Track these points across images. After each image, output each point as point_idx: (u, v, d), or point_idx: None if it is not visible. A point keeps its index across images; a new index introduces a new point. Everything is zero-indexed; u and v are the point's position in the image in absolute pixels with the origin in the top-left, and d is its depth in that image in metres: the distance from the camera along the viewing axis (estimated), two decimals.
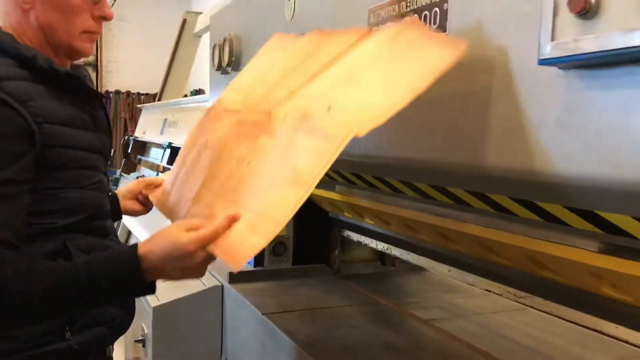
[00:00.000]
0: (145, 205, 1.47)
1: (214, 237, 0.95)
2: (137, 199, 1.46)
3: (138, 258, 0.97)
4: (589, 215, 0.83)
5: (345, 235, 2.00)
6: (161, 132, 4.47)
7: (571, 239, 0.96)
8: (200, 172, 1.16)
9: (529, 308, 1.68)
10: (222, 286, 1.85)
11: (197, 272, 1.01)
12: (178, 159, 1.35)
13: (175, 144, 4.00)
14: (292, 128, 0.97)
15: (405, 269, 2.13)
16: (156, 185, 1.44)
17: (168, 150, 4.17)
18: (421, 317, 1.61)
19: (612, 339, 1.25)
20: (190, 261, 0.96)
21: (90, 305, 1.07)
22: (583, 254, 0.95)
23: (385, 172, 1.28)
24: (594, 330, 1.04)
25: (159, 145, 4.43)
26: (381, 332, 1.48)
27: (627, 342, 1.01)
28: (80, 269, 0.97)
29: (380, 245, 1.79)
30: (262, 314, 1.56)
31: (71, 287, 0.96)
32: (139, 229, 4.34)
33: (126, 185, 1.52)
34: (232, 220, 0.95)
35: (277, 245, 1.98)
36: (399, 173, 1.23)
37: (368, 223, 1.76)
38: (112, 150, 1.33)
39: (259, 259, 1.96)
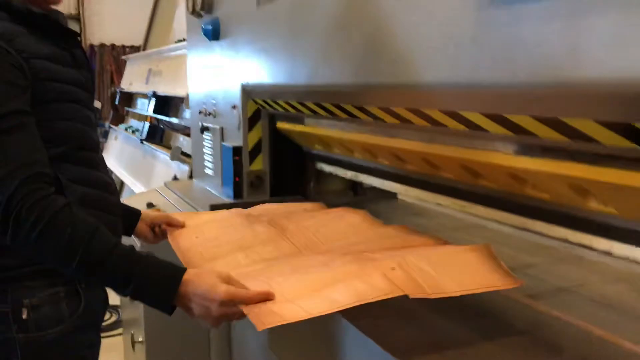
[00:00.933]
0: (158, 237, 1.52)
1: (245, 300, 0.97)
2: (152, 228, 1.51)
3: (180, 280, 1.02)
4: (499, 119, 0.96)
5: (319, 167, 2.13)
6: (146, 82, 4.54)
7: (491, 144, 1.09)
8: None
9: (487, 223, 1.83)
10: None
11: (213, 319, 1.01)
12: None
13: (160, 93, 4.09)
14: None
15: (377, 197, 2.27)
16: (176, 225, 1.51)
17: (153, 100, 4.25)
18: None
19: (551, 240, 1.40)
20: (214, 308, 0.99)
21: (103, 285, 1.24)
22: (501, 157, 1.08)
23: (342, 99, 1.40)
24: (523, 229, 1.18)
25: (145, 96, 4.50)
26: None
27: (566, 240, 1.15)
28: (132, 254, 1.06)
29: (349, 174, 1.92)
30: None
31: (116, 265, 1.04)
32: (132, 180, 4.46)
33: (150, 210, 1.61)
34: (266, 297, 0.96)
35: (255, 179, 2.11)
36: (352, 98, 1.35)
37: (337, 153, 1.89)
38: (94, 85, 1.40)
39: (238, 191, 2.09)
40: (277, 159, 2.14)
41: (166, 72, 4.19)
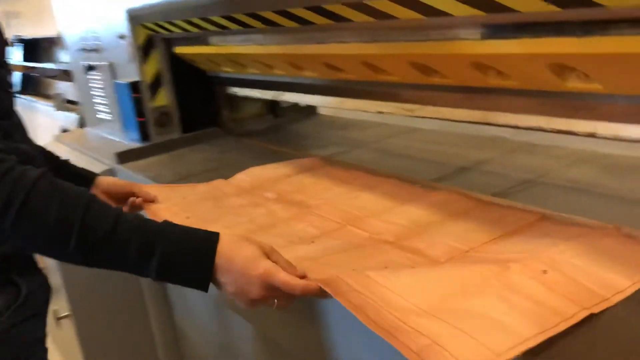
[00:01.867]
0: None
1: (292, 288, 0.74)
2: (118, 200, 1.20)
3: (216, 246, 0.78)
4: None
5: (231, 92, 1.91)
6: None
7: (451, 32, 0.94)
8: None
9: (422, 128, 1.73)
10: (112, 169, 1.74)
11: (248, 302, 0.78)
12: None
13: (25, 37, 3.59)
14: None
15: (298, 117, 2.11)
16: (145, 198, 1.21)
17: (20, 46, 3.75)
18: (319, 155, 1.60)
19: (503, 128, 1.31)
20: (254, 289, 0.76)
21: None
22: (464, 45, 0.94)
23: (259, 5, 1.19)
24: (486, 124, 1.06)
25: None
26: None
27: (516, 127, 1.05)
28: (146, 223, 0.79)
29: (269, 94, 1.72)
30: (161, 183, 1.48)
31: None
32: None
33: (107, 177, 1.25)
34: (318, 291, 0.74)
35: (160, 116, 1.86)
36: (271, 2, 1.14)
37: (252, 73, 1.68)
38: None
39: (145, 133, 1.85)
40: (182, 89, 1.89)
41: (26, 12, 3.67)
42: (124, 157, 1.74)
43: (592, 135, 0.92)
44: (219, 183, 1.36)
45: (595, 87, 0.85)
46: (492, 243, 0.88)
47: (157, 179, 1.53)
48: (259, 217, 1.12)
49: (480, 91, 1.04)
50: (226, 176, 1.51)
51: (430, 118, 1.19)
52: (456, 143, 1.55)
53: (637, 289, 0.70)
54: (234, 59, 1.64)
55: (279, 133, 1.99)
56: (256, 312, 0.93)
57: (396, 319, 0.65)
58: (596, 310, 0.66)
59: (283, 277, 0.74)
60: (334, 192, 1.21)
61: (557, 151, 1.34)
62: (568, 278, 0.71)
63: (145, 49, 1.80)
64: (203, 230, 0.80)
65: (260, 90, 1.76)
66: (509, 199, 1.08)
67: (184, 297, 1.60)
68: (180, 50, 1.80)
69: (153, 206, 1.19)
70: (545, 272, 0.73)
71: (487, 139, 1.51)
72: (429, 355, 0.58)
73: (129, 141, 1.90)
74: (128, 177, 1.64)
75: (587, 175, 1.19)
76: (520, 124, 1.02)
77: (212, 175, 1.53)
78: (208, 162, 1.68)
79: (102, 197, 1.14)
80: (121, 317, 1.81)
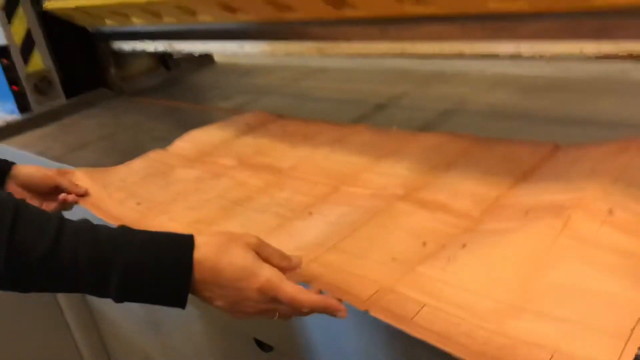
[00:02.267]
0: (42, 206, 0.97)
1: (307, 307, 0.58)
2: (41, 195, 0.99)
3: (191, 257, 0.59)
4: None
5: (116, 47, 1.73)
6: None
7: None
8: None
9: (329, 67, 1.65)
10: None
11: (243, 315, 0.61)
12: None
13: None
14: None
15: (194, 67, 1.96)
16: (73, 190, 1.01)
17: None
18: (228, 107, 1.49)
19: (413, 60, 1.26)
20: (253, 304, 0.60)
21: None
22: None
23: None
24: (406, 56, 1.01)
25: None
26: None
27: (437, 55, 1.00)
28: (98, 232, 0.60)
29: (159, 45, 1.57)
30: (51, 159, 1.32)
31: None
32: None
33: (31, 168, 0.99)
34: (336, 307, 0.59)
35: (38, 83, 1.65)
36: None
37: (137, 24, 1.51)
38: None
39: (22, 103, 1.64)
40: (60, 50, 1.69)
41: None
42: (2, 133, 1.54)
43: (516, 56, 0.89)
44: (157, 155, 1.19)
45: (519, 5, 0.81)
46: (519, 185, 0.80)
47: (46, 153, 1.37)
48: (229, 190, 0.97)
49: (396, 22, 0.98)
50: (126, 142, 1.37)
51: (345, 56, 1.11)
52: (367, 79, 1.50)
53: None
54: (115, 10, 1.46)
55: (175, 87, 1.84)
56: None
57: (490, 333, 0.53)
58: None
59: (289, 292, 0.58)
60: (303, 150, 1.08)
61: (471, 78, 1.32)
62: (635, 213, 0.64)
63: (7, 8, 1.57)
64: (172, 234, 0.61)
65: (148, 42, 1.60)
66: (434, 131, 1.05)
67: None
68: (51, 5, 1.58)
69: (92, 199, 1.01)
70: (611, 211, 0.65)
71: (398, 73, 1.46)
72: None
73: (4, 113, 1.68)
74: (12, 156, 1.45)
75: (506, 99, 1.17)
76: (441, 51, 0.97)
77: (109, 143, 1.39)
78: (102, 128, 1.52)
79: (21, 194, 0.96)
80: (38, 320, 1.64)
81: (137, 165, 1.14)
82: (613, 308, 0.53)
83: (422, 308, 0.59)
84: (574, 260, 0.60)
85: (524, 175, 0.83)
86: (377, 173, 0.92)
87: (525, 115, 1.08)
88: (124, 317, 1.46)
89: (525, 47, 0.88)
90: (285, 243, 0.77)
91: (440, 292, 0.60)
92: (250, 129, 1.24)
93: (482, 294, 0.59)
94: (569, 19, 0.80)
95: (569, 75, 1.19)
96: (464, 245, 0.67)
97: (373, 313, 0.59)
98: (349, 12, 1.01)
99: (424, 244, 0.70)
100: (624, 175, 0.72)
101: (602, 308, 0.54)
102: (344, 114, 1.24)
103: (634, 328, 0.50)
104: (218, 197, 0.95)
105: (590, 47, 0.80)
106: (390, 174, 0.91)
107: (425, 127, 1.10)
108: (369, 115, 1.23)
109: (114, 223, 0.93)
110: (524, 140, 0.93)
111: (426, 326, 0.56)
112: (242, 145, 1.16)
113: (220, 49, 1.41)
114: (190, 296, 0.59)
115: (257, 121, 1.27)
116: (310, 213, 0.84)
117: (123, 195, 1.01)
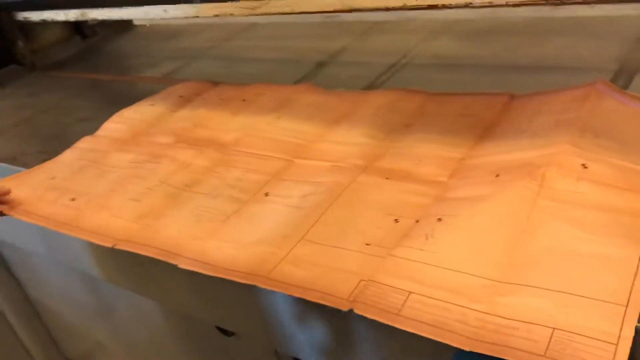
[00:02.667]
0: None
1: None
2: None
3: None
4: None
5: (23, 18, 1.56)
6: None
7: None
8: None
9: (259, 22, 1.56)
10: None
11: None
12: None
13: None
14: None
15: (111, 33, 1.81)
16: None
17: None
18: (156, 77, 1.39)
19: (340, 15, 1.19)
20: None
21: None
22: None
23: None
24: (350, 11, 0.94)
25: None
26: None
27: (385, 9, 0.94)
28: None
29: (71, 14, 1.42)
30: None
31: None
32: None
33: None
34: None
35: None
36: None
37: None
38: None
39: None
40: None
41: None
42: None
43: (468, 5, 0.84)
44: (86, 143, 1.07)
45: None
46: (483, 143, 0.76)
47: None
48: (172, 174, 0.88)
49: None
50: (48, 126, 1.25)
51: (281, 14, 1.03)
52: (302, 35, 1.42)
53: None
54: None
55: (94, 57, 1.70)
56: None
57: (484, 314, 0.51)
58: None
59: None
60: (244, 117, 1.00)
61: (410, 26, 1.27)
62: (609, 165, 0.62)
63: None
64: None
65: (59, 11, 1.45)
66: (383, 88, 1.00)
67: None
68: None
69: (22, 206, 0.90)
70: (585, 166, 0.62)
71: (334, 26, 1.39)
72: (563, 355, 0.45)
73: None
74: None
75: (451, 47, 1.13)
76: (386, 4, 0.91)
77: (28, 128, 1.26)
78: (18, 110, 1.38)
79: None
80: None
81: (66, 158, 1.04)
82: (607, 271, 0.51)
83: (408, 297, 0.55)
84: (557, 223, 0.58)
85: (484, 131, 0.80)
86: (332, 142, 0.87)
87: (473, 64, 1.04)
88: (69, 307, 1.37)
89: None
90: (247, 232, 0.71)
91: (423, 276, 0.57)
92: (185, 101, 1.15)
93: (468, 272, 0.56)
94: None
95: (511, 17, 1.16)
96: (439, 219, 0.63)
97: (357, 311, 0.55)
98: None
99: (396, 220, 0.67)
100: (590, 125, 0.70)
101: (596, 272, 0.51)
102: (284, 76, 1.17)
103: (631, 291, 0.49)
104: (160, 184, 0.87)
105: None
106: (346, 142, 0.86)
107: (373, 84, 1.05)
108: (311, 75, 1.16)
109: (48, 226, 0.84)
110: (477, 92, 0.89)
111: (415, 317, 0.53)
112: (177, 119, 1.08)
113: (141, 15, 1.29)
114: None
115: (191, 92, 1.18)
116: (266, 194, 0.79)
117: (55, 194, 0.91)
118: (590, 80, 0.81)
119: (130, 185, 0.88)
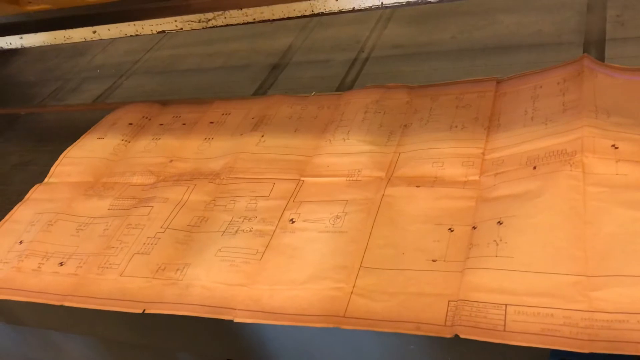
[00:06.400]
0: None
1: None
2: None
3: None
4: None
5: None
6: None
7: None
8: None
9: None
10: None
11: None
12: None
13: None
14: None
15: None
16: None
17: None
18: (86, 103, 1.26)
19: None
20: None
21: None
22: None
23: None
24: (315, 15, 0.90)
25: None
26: None
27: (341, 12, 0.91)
28: None
29: None
30: None
31: None
32: None
33: None
34: None
35: None
36: None
37: None
38: None
39: None
40: None
41: None
42: None
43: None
44: (40, 193, 0.95)
45: None
46: (495, 134, 0.77)
47: None
48: (172, 217, 0.81)
49: None
50: None
51: (239, 24, 0.97)
52: (234, 36, 1.34)
53: None
54: None
55: None
56: None
57: (589, 313, 0.52)
58: None
59: None
60: (225, 143, 0.94)
61: (347, 17, 1.23)
62: (634, 141, 0.65)
63: None
64: None
65: None
66: (358, 88, 0.98)
67: None
68: None
69: (3, 283, 0.79)
70: (615, 146, 0.65)
71: (266, 22, 1.33)
72: None
73: None
74: None
75: (404, 36, 1.13)
76: (352, 6, 0.89)
77: None
78: None
79: None
80: None
81: (23, 214, 0.92)
82: None
83: (506, 310, 0.55)
84: (614, 208, 0.60)
85: (489, 121, 0.81)
86: (333, 154, 0.84)
87: (436, 50, 1.05)
88: None
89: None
90: (294, 270, 0.67)
91: (512, 284, 0.57)
92: (138, 129, 1.05)
93: (553, 271, 0.57)
94: None
95: None
96: (499, 223, 0.64)
97: (463, 335, 0.54)
98: None
99: (450, 230, 0.66)
100: (598, 104, 0.73)
101: None
102: (239, 85, 1.12)
103: None
104: (164, 229, 0.80)
105: None
106: (349, 152, 0.83)
107: (343, 84, 1.02)
108: (270, 81, 1.11)
109: (49, 302, 0.74)
110: (461, 81, 0.90)
111: (522, 330, 0.53)
112: (141, 153, 0.99)
113: (61, 39, 1.16)
114: None
115: (139, 116, 1.08)
116: (292, 220, 0.75)
117: (34, 262, 0.81)
118: (563, 55, 0.84)
119: (127, 237, 0.80)
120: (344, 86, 1.01)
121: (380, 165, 0.79)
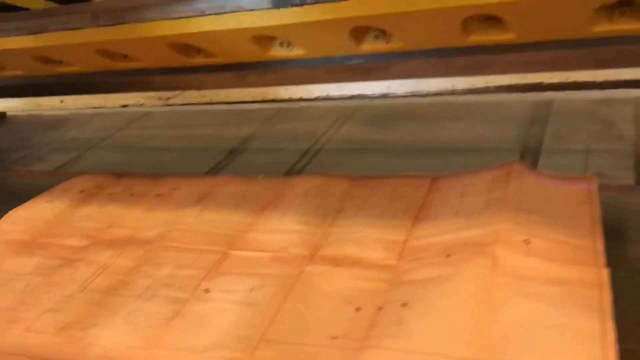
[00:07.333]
0: None
1: None
2: None
3: None
4: None
5: None
6: None
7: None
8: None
9: (153, 112, 1.52)
10: None
11: None
12: None
13: None
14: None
15: None
16: None
17: None
18: (47, 170, 1.28)
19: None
20: None
21: None
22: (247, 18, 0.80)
23: None
24: (269, 101, 0.95)
25: None
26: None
27: (308, 99, 0.96)
28: None
29: None
30: None
31: None
32: None
33: None
34: None
35: None
36: None
37: None
38: None
39: None
40: None
41: None
42: None
43: (385, 96, 0.89)
44: None
45: (395, 46, 0.81)
46: (420, 224, 0.79)
47: None
48: (93, 279, 0.80)
49: (258, 66, 0.92)
50: None
51: (197, 104, 1.02)
52: (202, 123, 1.40)
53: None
54: None
55: None
56: None
57: None
58: (603, 264, 0.63)
59: None
60: (166, 214, 0.94)
61: (311, 113, 1.30)
62: (548, 239, 0.67)
63: None
64: None
65: None
66: (304, 174, 1.01)
67: None
68: None
69: None
70: (527, 241, 0.67)
71: (236, 113, 1.39)
72: None
73: None
74: None
75: (358, 133, 1.18)
76: (309, 95, 0.94)
77: None
78: None
79: None
80: None
81: None
82: (574, 342, 0.54)
83: None
84: (517, 299, 0.60)
85: (418, 212, 0.82)
86: (265, 231, 0.85)
87: (384, 148, 1.09)
88: None
89: (396, 86, 0.88)
90: (197, 337, 0.66)
91: None
92: (88, 197, 1.06)
93: (447, 354, 0.56)
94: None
95: (408, 102, 1.24)
96: (404, 305, 0.63)
97: None
98: (200, 60, 0.93)
99: (357, 309, 0.65)
100: (521, 203, 0.75)
101: (565, 344, 0.54)
102: (195, 165, 1.15)
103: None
104: (82, 290, 0.79)
105: (462, 82, 0.82)
106: (281, 230, 0.84)
107: (292, 170, 1.05)
108: (224, 164, 1.14)
109: None
110: (400, 175, 0.93)
111: None
112: (84, 218, 0.99)
113: (30, 106, 1.20)
114: None
115: (92, 185, 1.10)
116: (207, 290, 0.74)
117: None
118: (501, 161, 0.88)
119: (44, 295, 0.79)
120: (293, 172, 1.04)
121: (306, 244, 0.79)
